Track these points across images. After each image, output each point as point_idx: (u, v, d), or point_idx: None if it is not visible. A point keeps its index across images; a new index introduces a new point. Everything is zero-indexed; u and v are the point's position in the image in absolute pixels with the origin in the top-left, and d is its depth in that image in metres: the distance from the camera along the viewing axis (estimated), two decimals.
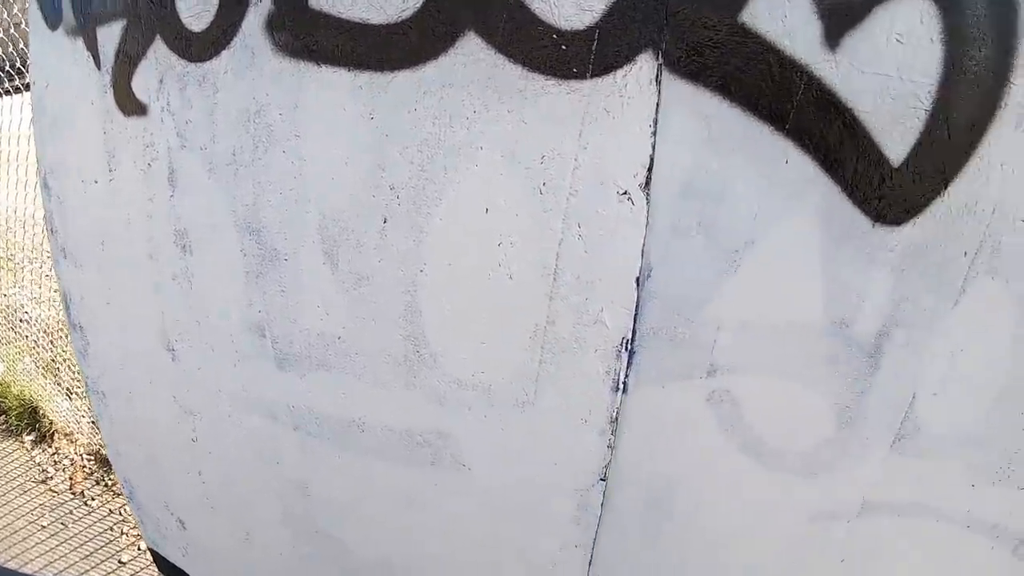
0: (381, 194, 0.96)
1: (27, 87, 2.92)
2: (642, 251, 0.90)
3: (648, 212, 0.88)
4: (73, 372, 3.31)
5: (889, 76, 0.79)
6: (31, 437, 3.46)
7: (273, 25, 0.99)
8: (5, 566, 2.84)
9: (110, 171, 1.29)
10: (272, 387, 1.18)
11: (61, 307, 3.63)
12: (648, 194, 0.88)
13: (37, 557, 2.87)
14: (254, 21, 1.00)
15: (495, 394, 1.03)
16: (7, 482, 3.28)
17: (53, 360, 3.47)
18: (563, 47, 0.86)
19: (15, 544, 2.94)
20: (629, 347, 0.96)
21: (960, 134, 0.81)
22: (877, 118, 0.81)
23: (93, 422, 3.07)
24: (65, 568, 2.82)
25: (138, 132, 1.20)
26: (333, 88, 0.95)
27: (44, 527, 3.01)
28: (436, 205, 0.94)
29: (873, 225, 0.85)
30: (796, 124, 0.83)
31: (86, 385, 1.74)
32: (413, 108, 0.92)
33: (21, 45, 3.08)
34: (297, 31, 0.97)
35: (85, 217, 1.42)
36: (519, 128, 0.89)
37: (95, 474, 3.13)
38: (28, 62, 1.63)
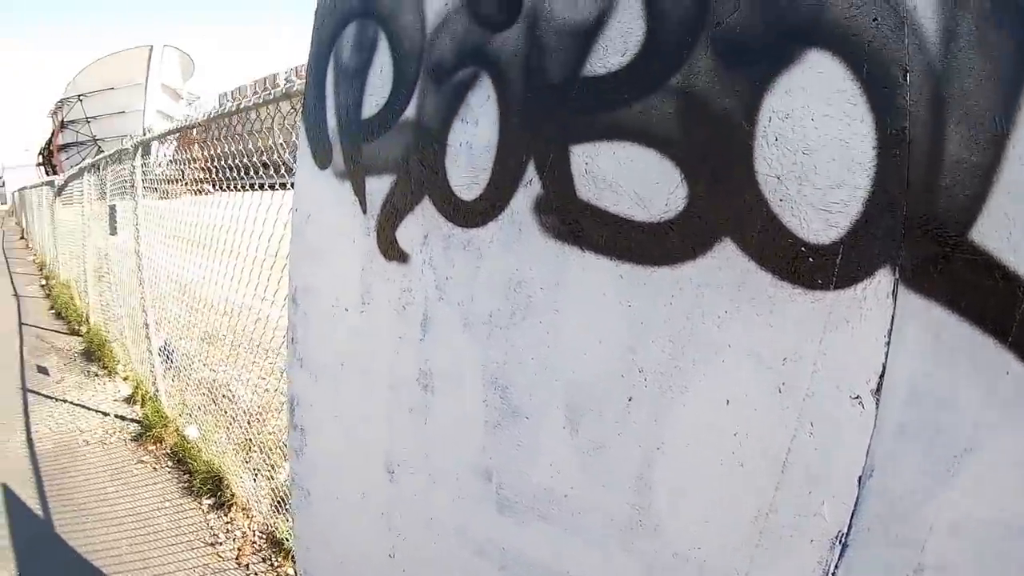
0: (630, 375, 1.04)
1: (271, 187, 3.29)
2: (867, 451, 0.93)
3: (876, 415, 0.91)
4: (263, 456, 3.57)
5: None
6: (210, 502, 3.74)
7: (541, 207, 1.11)
8: None
9: (363, 304, 1.45)
10: (488, 527, 1.26)
11: (263, 392, 3.97)
12: (878, 399, 0.91)
13: None
14: (523, 200, 1.14)
15: (708, 569, 1.05)
16: (178, 535, 3.54)
17: (248, 440, 3.76)
18: (810, 259, 0.92)
19: None
20: (844, 540, 0.97)
21: None
22: None
23: (276, 505, 3.28)
24: None
25: (397, 276, 1.36)
26: (595, 273, 1.06)
27: None
28: (681, 392, 1.01)
29: None
30: (1018, 337, 0.84)
31: (291, 480, 1.89)
32: (669, 302, 1.00)
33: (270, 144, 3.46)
34: (564, 217, 1.09)
35: (329, 337, 1.59)
36: (766, 331, 0.95)
37: (263, 552, 3.31)
38: (293, 187, 1.87)
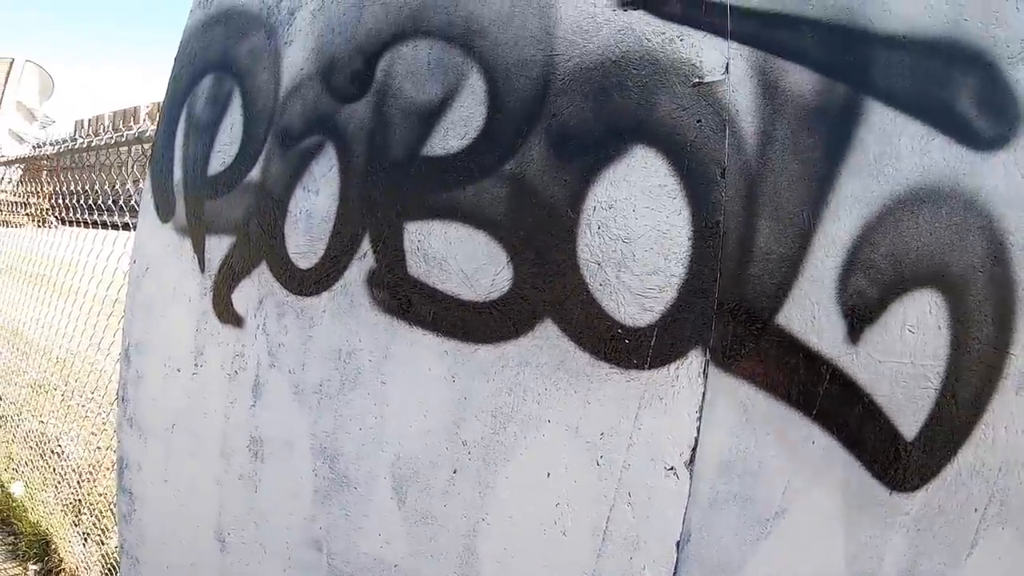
0: (454, 448, 1.07)
1: (118, 226, 3.12)
2: (683, 518, 1.00)
3: (691, 485, 0.99)
4: (94, 518, 3.31)
5: (902, 363, 0.94)
6: (36, 567, 3.42)
7: (373, 281, 1.14)
8: None
9: (195, 366, 1.41)
10: None
11: (95, 449, 3.70)
12: (692, 470, 0.99)
13: None
14: (356, 273, 1.16)
15: None
16: None
17: (78, 501, 3.49)
18: (627, 341, 1.00)
19: None
20: None
21: (967, 405, 0.95)
22: (892, 400, 0.95)
23: (108, 572, 3.04)
24: None
25: (230, 340, 1.33)
26: (422, 348, 1.09)
27: None
28: (504, 464, 1.05)
29: (890, 493, 0.97)
30: (822, 409, 0.96)
31: (120, 547, 1.79)
32: (492, 379, 1.04)
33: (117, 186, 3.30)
34: (395, 291, 1.12)
35: (161, 398, 1.53)
36: (584, 407, 1.01)
37: None
38: (135, 241, 1.80)
